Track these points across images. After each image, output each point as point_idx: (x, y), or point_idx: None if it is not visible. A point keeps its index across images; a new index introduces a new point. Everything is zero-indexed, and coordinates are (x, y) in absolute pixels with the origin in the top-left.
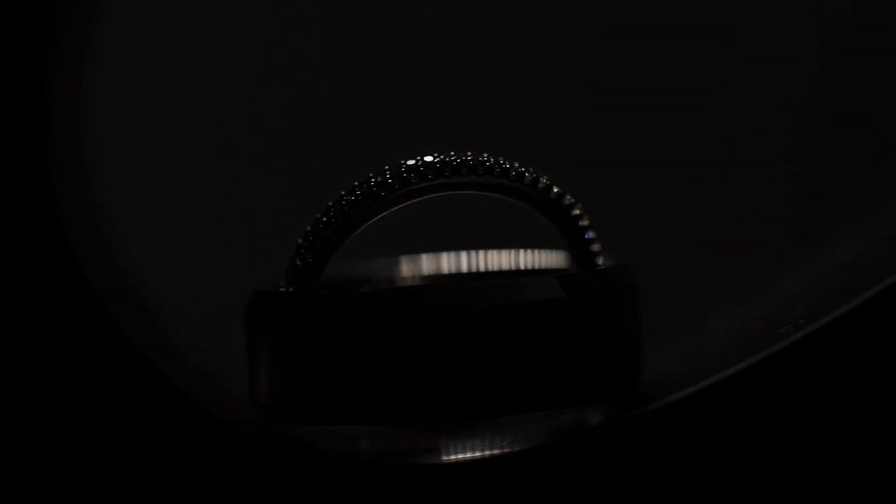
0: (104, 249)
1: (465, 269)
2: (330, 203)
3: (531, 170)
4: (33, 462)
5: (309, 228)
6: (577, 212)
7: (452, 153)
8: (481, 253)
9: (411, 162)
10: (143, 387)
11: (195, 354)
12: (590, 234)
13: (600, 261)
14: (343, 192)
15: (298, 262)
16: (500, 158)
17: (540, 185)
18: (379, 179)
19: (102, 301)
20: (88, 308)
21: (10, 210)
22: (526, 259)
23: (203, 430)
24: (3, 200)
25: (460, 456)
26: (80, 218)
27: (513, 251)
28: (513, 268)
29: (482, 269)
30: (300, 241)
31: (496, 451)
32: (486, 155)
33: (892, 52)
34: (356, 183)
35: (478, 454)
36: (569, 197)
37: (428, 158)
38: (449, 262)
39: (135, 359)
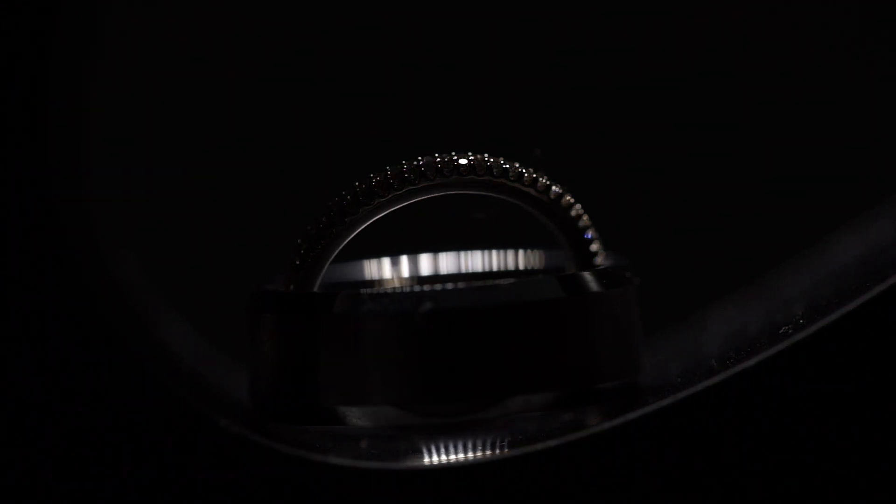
0: (101, 250)
1: (464, 269)
2: (330, 203)
3: (531, 170)
4: (31, 464)
5: (309, 228)
6: (576, 211)
7: (452, 153)
8: (481, 253)
9: (412, 162)
10: (142, 388)
11: (194, 355)
12: (589, 234)
13: (600, 260)
14: (343, 192)
15: (298, 262)
16: (500, 158)
17: (539, 185)
18: (379, 179)
19: (100, 302)
20: (85, 310)
21: (8, 209)
22: (525, 259)
23: (202, 432)
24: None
25: (460, 456)
26: (77, 218)
27: (512, 251)
28: (512, 268)
29: (482, 269)
30: (300, 241)
31: (495, 452)
32: (485, 155)
33: (892, 51)
34: (356, 183)
35: (477, 455)
36: (569, 197)
37: (428, 158)
38: (449, 263)
39: (133, 360)
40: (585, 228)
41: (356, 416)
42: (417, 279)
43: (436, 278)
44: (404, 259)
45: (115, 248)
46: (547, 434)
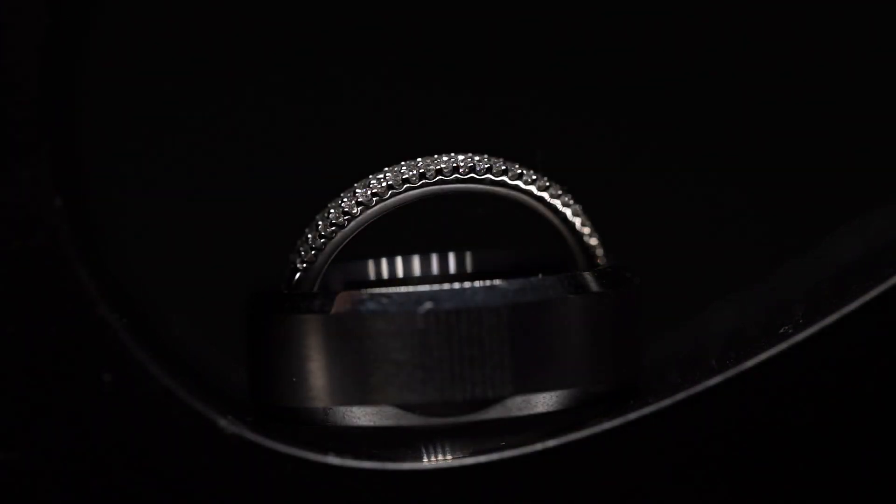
0: (101, 250)
1: (465, 269)
2: (330, 203)
3: (531, 170)
4: (31, 464)
5: (309, 228)
6: (577, 212)
7: (453, 154)
8: (481, 253)
9: (411, 162)
10: (142, 388)
11: (194, 355)
12: (590, 234)
13: (600, 260)
14: (343, 192)
15: (298, 262)
16: (500, 158)
17: (539, 185)
18: (379, 179)
19: (100, 303)
20: (85, 309)
21: (8, 209)
22: (526, 259)
23: (202, 432)
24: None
25: (459, 457)
26: (77, 217)
27: (512, 251)
28: (512, 268)
29: (482, 269)
30: (300, 241)
31: (495, 452)
32: (485, 155)
33: (891, 51)
34: (356, 183)
35: (476, 455)
36: (569, 197)
37: (428, 159)
38: (449, 263)
39: (133, 360)
40: (585, 228)
41: (356, 416)
42: (417, 280)
43: (436, 279)
44: (404, 259)
45: (115, 248)
46: (547, 434)
